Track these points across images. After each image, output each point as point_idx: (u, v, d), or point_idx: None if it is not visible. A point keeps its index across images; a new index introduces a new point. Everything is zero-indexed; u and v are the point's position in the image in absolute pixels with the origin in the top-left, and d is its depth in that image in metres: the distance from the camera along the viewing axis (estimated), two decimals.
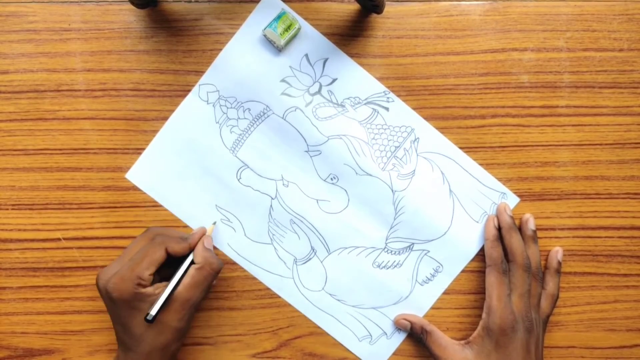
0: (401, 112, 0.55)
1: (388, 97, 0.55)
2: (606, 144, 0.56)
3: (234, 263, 0.55)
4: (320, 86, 0.55)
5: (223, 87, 0.55)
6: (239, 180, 0.55)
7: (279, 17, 0.53)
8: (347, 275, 0.55)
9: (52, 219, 0.55)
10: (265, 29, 0.53)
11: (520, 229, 0.55)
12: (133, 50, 0.55)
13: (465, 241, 0.55)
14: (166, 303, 0.48)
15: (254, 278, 0.55)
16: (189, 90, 0.55)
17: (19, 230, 0.55)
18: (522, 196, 0.56)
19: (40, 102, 0.55)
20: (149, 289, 0.48)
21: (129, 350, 0.48)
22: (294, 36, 0.54)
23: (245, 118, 0.55)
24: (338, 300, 0.55)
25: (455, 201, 0.55)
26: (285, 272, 0.55)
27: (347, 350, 0.56)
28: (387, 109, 0.55)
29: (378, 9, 0.52)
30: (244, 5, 0.55)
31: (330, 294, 0.55)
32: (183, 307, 0.48)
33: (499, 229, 0.54)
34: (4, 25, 0.55)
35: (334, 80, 0.55)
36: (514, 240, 0.53)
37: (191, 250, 0.51)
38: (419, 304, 0.55)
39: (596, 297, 0.56)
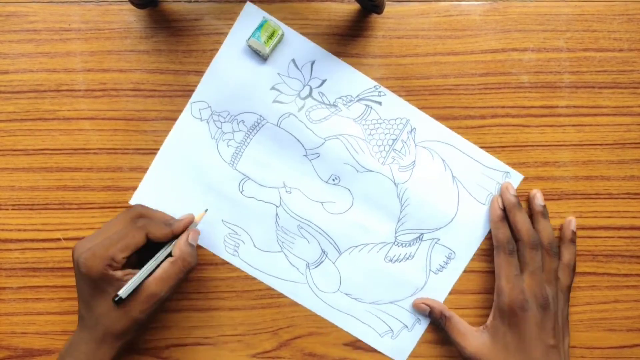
0: (394, 105, 0.55)
1: (379, 92, 0.55)
2: (606, 144, 0.56)
3: (239, 269, 0.55)
4: (311, 89, 0.55)
5: (214, 102, 0.55)
6: (241, 192, 0.55)
7: (261, 26, 0.53)
8: (361, 273, 0.55)
9: (52, 219, 0.55)
10: (249, 39, 0.53)
11: (529, 205, 0.55)
12: (133, 51, 0.55)
13: (474, 225, 0.55)
14: (134, 292, 0.47)
15: (254, 278, 0.55)
16: (189, 91, 0.55)
17: (19, 230, 0.55)
18: (522, 196, 0.55)
19: (40, 102, 0.55)
20: (118, 273, 0.47)
21: (85, 328, 0.48)
22: (278, 42, 0.54)
23: (240, 130, 0.55)
24: (355, 299, 0.55)
25: (460, 186, 0.55)
26: (299, 278, 0.55)
27: (348, 350, 0.56)
28: (379, 103, 0.55)
29: (378, 9, 0.52)
30: (244, 6, 0.54)
31: (346, 294, 0.55)
32: (148, 300, 0.47)
33: (504, 209, 0.54)
34: (4, 25, 0.55)
35: (324, 81, 0.55)
36: (519, 219, 0.53)
37: (174, 238, 0.49)
38: (436, 293, 0.55)
39: (596, 297, 0.56)
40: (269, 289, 0.55)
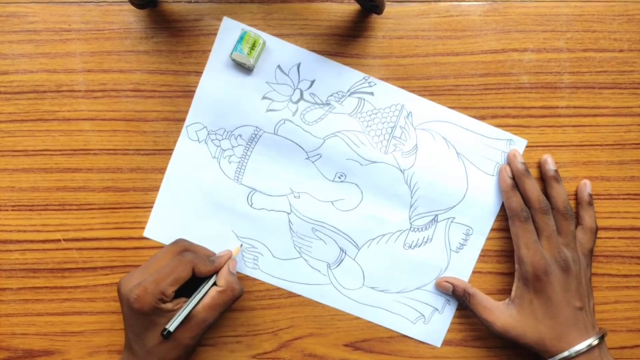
0: (386, 93, 0.55)
1: (369, 82, 0.55)
2: (606, 145, 0.56)
3: (263, 282, 0.55)
4: (301, 92, 0.55)
5: (209, 122, 0.55)
6: (251, 205, 0.55)
7: (241, 38, 0.53)
8: (383, 264, 0.55)
9: (52, 220, 0.55)
10: (232, 53, 0.53)
11: (540, 171, 0.55)
12: (133, 51, 0.55)
13: (486, 197, 0.55)
14: (183, 321, 0.48)
15: (254, 279, 0.55)
16: (190, 91, 0.55)
17: (19, 231, 0.55)
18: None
19: (40, 102, 0.55)
20: (169, 305, 0.48)
21: (136, 357, 0.49)
22: (261, 51, 0.54)
23: (239, 145, 0.55)
24: (381, 291, 0.55)
25: (466, 162, 0.55)
26: (322, 280, 0.55)
27: (348, 351, 0.55)
28: (371, 93, 0.55)
29: (378, 9, 0.52)
30: (244, 6, 0.55)
31: (372, 288, 0.55)
32: (198, 326, 0.49)
33: (513, 177, 0.54)
34: (4, 25, 0.55)
35: (312, 82, 0.55)
36: (528, 186, 0.53)
37: (216, 272, 0.51)
38: (460, 271, 0.55)
39: (596, 297, 0.55)
40: (269, 289, 0.55)
